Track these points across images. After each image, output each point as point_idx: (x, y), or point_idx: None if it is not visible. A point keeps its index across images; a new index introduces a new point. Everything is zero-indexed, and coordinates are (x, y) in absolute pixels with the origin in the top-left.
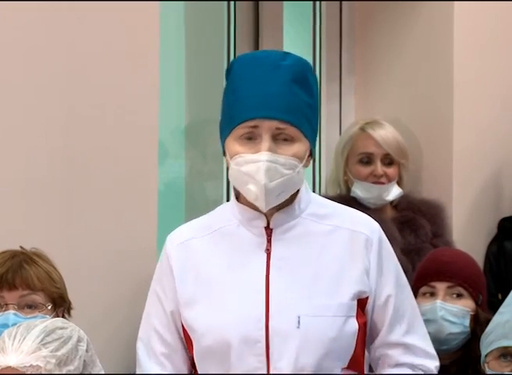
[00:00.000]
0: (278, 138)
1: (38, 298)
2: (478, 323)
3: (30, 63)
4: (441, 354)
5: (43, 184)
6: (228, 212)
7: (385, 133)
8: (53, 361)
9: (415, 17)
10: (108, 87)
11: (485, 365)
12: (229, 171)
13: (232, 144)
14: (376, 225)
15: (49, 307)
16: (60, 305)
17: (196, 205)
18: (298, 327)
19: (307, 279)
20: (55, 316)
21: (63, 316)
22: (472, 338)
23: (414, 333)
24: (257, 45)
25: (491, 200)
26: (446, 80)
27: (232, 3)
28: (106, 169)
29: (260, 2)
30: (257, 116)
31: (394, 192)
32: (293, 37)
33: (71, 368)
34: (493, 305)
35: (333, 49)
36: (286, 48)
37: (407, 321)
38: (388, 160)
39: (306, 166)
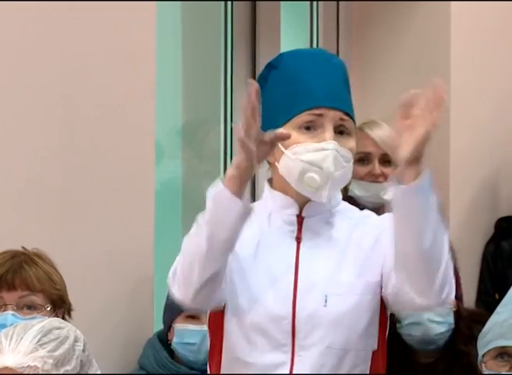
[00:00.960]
0: (336, 131)
1: (37, 299)
2: (461, 318)
3: (27, 63)
4: (428, 353)
5: (40, 184)
6: (259, 203)
7: (383, 133)
8: (50, 361)
9: (412, 17)
10: (104, 88)
11: (483, 364)
12: (282, 161)
13: (293, 133)
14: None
15: (48, 308)
16: (60, 306)
17: (192, 205)
18: (325, 306)
19: (335, 263)
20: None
21: (63, 318)
22: (455, 333)
23: None
24: (254, 45)
25: (488, 200)
26: (443, 80)
27: (229, 3)
28: (103, 169)
29: (257, 2)
30: (324, 104)
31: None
32: (290, 37)
33: (68, 368)
34: (490, 305)
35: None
36: (284, 48)
37: None
38: (385, 160)
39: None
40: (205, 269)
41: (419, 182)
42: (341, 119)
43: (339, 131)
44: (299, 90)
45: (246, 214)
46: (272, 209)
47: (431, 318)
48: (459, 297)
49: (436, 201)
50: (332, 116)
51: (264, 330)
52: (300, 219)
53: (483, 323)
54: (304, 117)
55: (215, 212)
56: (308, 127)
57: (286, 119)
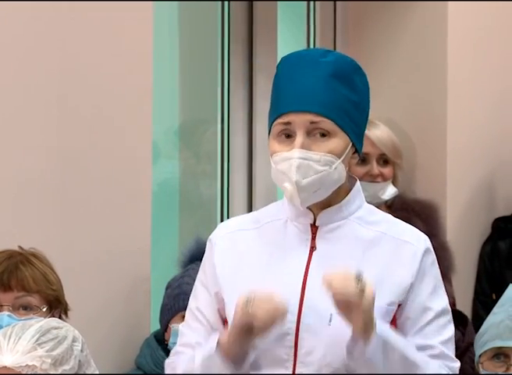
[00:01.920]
0: (314, 134)
1: (33, 299)
2: None
3: (24, 63)
4: None
5: (37, 184)
6: (278, 208)
7: (381, 134)
8: (48, 361)
9: (409, 18)
10: (101, 88)
11: (479, 365)
12: (271, 170)
13: (271, 143)
14: (423, 236)
15: (44, 309)
16: (56, 306)
17: (190, 205)
18: (329, 325)
19: None
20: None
21: (60, 318)
22: None
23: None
24: (251, 45)
25: (485, 200)
26: (440, 81)
27: (226, 3)
28: (100, 169)
29: (254, 2)
30: (289, 109)
31: (389, 191)
32: (287, 37)
33: (66, 368)
34: (487, 305)
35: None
36: (280, 49)
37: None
38: (383, 160)
39: (351, 163)
40: None
41: (368, 349)
42: (312, 122)
43: (321, 134)
44: (274, 98)
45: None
46: (287, 217)
47: None
48: (450, 299)
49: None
50: (299, 121)
51: (267, 344)
52: (314, 229)
53: None
54: (276, 126)
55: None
56: (288, 135)
57: (269, 130)
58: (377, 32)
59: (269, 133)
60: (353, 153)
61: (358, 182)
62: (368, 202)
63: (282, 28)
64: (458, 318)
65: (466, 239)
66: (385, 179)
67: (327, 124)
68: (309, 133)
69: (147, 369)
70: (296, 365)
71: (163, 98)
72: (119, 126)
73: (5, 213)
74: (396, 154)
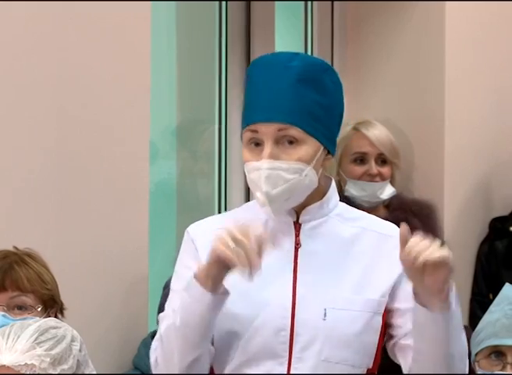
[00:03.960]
0: (282, 142)
1: (28, 299)
2: None
3: (22, 64)
4: None
5: (35, 184)
6: (256, 208)
7: (379, 133)
8: (47, 360)
9: (407, 17)
10: (99, 87)
11: (476, 364)
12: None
13: (243, 151)
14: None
15: (39, 309)
16: (51, 306)
17: (187, 205)
18: (324, 319)
19: (334, 273)
20: (46, 318)
21: (56, 317)
22: None
23: None
24: (248, 45)
25: (482, 200)
26: (438, 80)
27: (223, 3)
28: (97, 169)
29: (251, 2)
30: (255, 120)
31: (388, 191)
32: (285, 37)
33: (65, 367)
34: (484, 305)
35: (325, 49)
36: (278, 49)
37: None
38: (381, 160)
39: (325, 165)
40: (185, 355)
41: (449, 310)
42: (280, 130)
43: (289, 141)
44: (245, 106)
45: (218, 304)
46: (268, 216)
47: None
48: None
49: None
50: (266, 130)
51: (262, 340)
52: (297, 226)
53: None
54: (246, 134)
55: (187, 302)
56: (257, 143)
57: (241, 137)
58: (375, 32)
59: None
60: (327, 155)
61: (333, 181)
62: (367, 202)
63: (279, 28)
64: None
65: (463, 239)
66: (383, 179)
67: (294, 132)
68: (277, 141)
69: (145, 369)
70: (292, 360)
71: (161, 97)
72: (116, 126)
73: (2, 213)
74: (394, 154)
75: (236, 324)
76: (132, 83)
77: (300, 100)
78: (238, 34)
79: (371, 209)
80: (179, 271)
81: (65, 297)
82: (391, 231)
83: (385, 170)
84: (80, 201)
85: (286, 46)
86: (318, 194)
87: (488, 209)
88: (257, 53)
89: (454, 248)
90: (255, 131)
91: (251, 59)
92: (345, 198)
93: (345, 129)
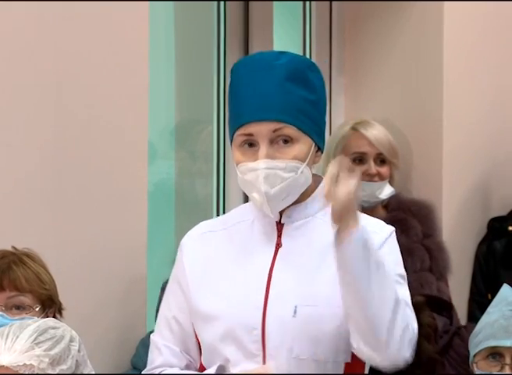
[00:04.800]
0: (277, 140)
1: (26, 299)
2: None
3: (20, 63)
4: None
5: (33, 184)
6: (245, 209)
7: (378, 133)
8: (46, 360)
9: (405, 17)
10: (97, 88)
11: (474, 365)
12: (238, 177)
13: (235, 152)
14: (388, 226)
15: (37, 309)
16: (49, 306)
17: (185, 205)
18: (294, 316)
19: (310, 272)
20: (44, 318)
21: (54, 317)
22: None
23: None
24: (247, 45)
25: (480, 200)
26: (436, 80)
27: (222, 3)
28: (96, 169)
29: (250, 2)
30: (249, 119)
31: (387, 191)
32: (283, 37)
33: (64, 367)
34: (483, 305)
35: (323, 49)
36: (276, 48)
37: None
38: (380, 160)
39: (315, 162)
40: None
41: (350, 242)
42: (275, 130)
43: (283, 140)
44: (232, 108)
45: None
46: (254, 217)
47: None
48: (446, 298)
49: (377, 258)
50: (261, 131)
51: (236, 340)
52: (279, 226)
53: (433, 309)
54: (238, 137)
55: None
56: (251, 144)
57: (231, 139)
58: (373, 32)
59: (231, 141)
60: (316, 152)
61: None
62: (365, 202)
63: (277, 28)
64: (439, 305)
65: (461, 239)
66: (382, 178)
67: (289, 130)
68: (272, 141)
69: (143, 369)
70: (266, 358)
71: (159, 98)
72: (114, 126)
73: (0, 213)
74: (393, 154)
75: (216, 324)
76: (130, 84)
77: (290, 98)
78: (236, 34)
79: (369, 209)
80: (166, 293)
81: (63, 297)
82: (373, 227)
83: (384, 170)
84: (79, 201)
85: (285, 46)
86: (307, 192)
87: (486, 209)
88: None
89: (453, 248)
90: (250, 134)
91: None
92: None
93: (343, 129)
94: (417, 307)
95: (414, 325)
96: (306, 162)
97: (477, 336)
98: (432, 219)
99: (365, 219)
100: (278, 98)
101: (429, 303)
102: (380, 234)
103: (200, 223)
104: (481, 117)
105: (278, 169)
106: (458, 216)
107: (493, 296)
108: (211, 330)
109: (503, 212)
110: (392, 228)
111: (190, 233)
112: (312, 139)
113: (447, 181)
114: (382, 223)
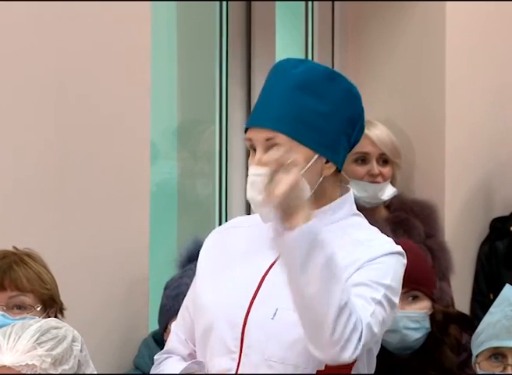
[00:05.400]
0: (272, 148)
1: (27, 299)
2: (435, 321)
3: (22, 63)
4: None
5: (35, 184)
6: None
7: (380, 133)
8: (48, 360)
9: (407, 18)
10: (99, 88)
11: (476, 365)
12: None
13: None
14: (396, 247)
15: (38, 308)
16: (50, 306)
17: (188, 205)
18: (272, 319)
19: None
20: (45, 317)
21: (56, 317)
22: (428, 336)
23: None
24: (249, 45)
25: (483, 200)
26: (439, 81)
27: (224, 3)
28: (98, 169)
29: (252, 2)
30: (248, 124)
31: (389, 191)
32: (286, 37)
33: (66, 367)
34: (485, 305)
35: (325, 50)
36: (278, 49)
37: None
38: (383, 160)
39: (325, 174)
40: None
41: (289, 235)
42: (268, 140)
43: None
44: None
45: None
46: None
47: (406, 325)
48: (434, 297)
49: (325, 258)
50: (256, 138)
51: (219, 334)
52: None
53: (459, 324)
54: (246, 141)
55: None
56: (254, 149)
57: None
58: (375, 32)
59: None
60: (326, 163)
61: (351, 192)
62: (368, 203)
63: (280, 28)
64: (465, 321)
65: (464, 239)
66: (384, 179)
67: (282, 139)
68: (268, 148)
69: (146, 369)
70: (241, 357)
71: (161, 98)
72: (117, 127)
73: (2, 213)
74: (395, 154)
75: (205, 317)
76: (132, 84)
77: (292, 107)
78: (238, 34)
79: (371, 210)
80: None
81: (65, 297)
82: (377, 244)
83: (387, 170)
84: (81, 202)
85: (287, 46)
86: (324, 202)
87: (488, 209)
88: (257, 53)
89: (455, 248)
90: (250, 140)
91: (252, 59)
92: None
93: None
94: (449, 318)
95: (366, 323)
96: (301, 173)
97: (479, 336)
98: (435, 220)
99: (378, 240)
100: (276, 106)
101: (457, 318)
102: (386, 247)
103: (236, 218)
104: (484, 117)
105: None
106: (460, 216)
107: (495, 296)
108: (200, 322)
109: (506, 212)
110: (401, 249)
111: (221, 226)
112: (314, 150)
113: (449, 181)
114: (393, 242)
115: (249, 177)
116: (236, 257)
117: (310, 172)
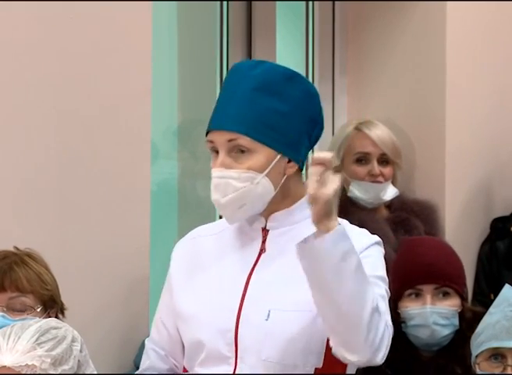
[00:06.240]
0: (235, 150)
1: (27, 300)
2: (464, 318)
3: (23, 64)
4: (428, 351)
5: (36, 184)
6: None
7: (381, 133)
8: (48, 360)
9: (408, 17)
10: (100, 88)
11: (476, 366)
12: None
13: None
14: (374, 237)
15: (38, 309)
16: (51, 306)
17: (188, 206)
18: (267, 320)
19: (289, 276)
20: (46, 318)
21: (56, 317)
22: (456, 333)
23: None
24: (249, 46)
25: (483, 200)
26: (439, 80)
27: (224, 3)
28: (99, 169)
29: (253, 2)
30: (209, 127)
31: (390, 192)
32: (286, 37)
33: (66, 367)
34: (486, 305)
35: (326, 49)
36: (279, 49)
37: None
38: (384, 160)
39: (288, 173)
40: None
41: (325, 238)
42: (230, 140)
43: (240, 150)
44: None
45: None
46: (242, 222)
47: (436, 321)
48: (465, 295)
49: (357, 260)
50: (218, 140)
51: (211, 341)
52: (264, 232)
53: None
54: (207, 144)
55: None
56: (216, 151)
57: None
58: (376, 32)
59: None
60: (289, 162)
61: None
62: (369, 203)
63: (280, 28)
64: None
65: (464, 239)
66: (385, 179)
67: (244, 141)
68: (230, 150)
69: None
70: (237, 361)
71: (162, 98)
72: (117, 127)
73: (2, 213)
74: (396, 154)
75: (193, 326)
76: (133, 84)
77: (251, 108)
78: (239, 34)
79: (372, 210)
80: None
81: (66, 297)
82: (358, 237)
83: (388, 171)
84: (81, 202)
85: (287, 46)
86: (290, 201)
87: (489, 209)
88: (258, 53)
89: (455, 248)
90: (212, 142)
91: (252, 59)
92: (347, 199)
93: (347, 129)
94: (478, 317)
95: (390, 323)
96: (265, 173)
97: (479, 337)
98: (435, 219)
99: (350, 227)
100: (237, 108)
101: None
102: (365, 239)
103: (196, 228)
104: (484, 117)
105: (230, 179)
106: (461, 216)
107: (496, 296)
108: (188, 332)
109: (506, 213)
110: (378, 238)
111: (183, 238)
112: (277, 150)
113: (450, 181)
114: (367, 232)
115: (212, 180)
116: (212, 263)
117: (273, 172)
